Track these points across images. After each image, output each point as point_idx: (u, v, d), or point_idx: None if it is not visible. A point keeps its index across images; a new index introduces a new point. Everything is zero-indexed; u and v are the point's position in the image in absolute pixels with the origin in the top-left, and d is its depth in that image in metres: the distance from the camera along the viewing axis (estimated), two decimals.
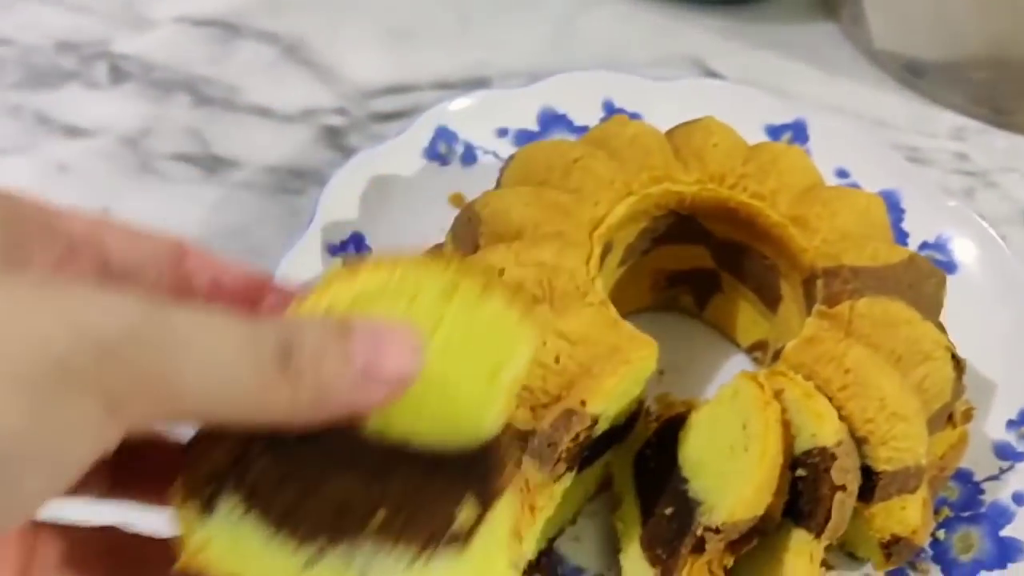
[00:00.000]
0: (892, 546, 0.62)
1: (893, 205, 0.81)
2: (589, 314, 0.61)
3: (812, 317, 0.63)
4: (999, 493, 0.68)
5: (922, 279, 0.65)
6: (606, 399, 0.58)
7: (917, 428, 0.59)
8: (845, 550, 0.66)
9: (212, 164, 0.90)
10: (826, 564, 0.65)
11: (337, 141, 0.93)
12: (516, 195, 0.67)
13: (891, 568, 0.64)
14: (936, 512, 0.67)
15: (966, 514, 0.67)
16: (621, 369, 0.59)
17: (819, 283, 0.65)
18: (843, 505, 0.56)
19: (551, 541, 0.65)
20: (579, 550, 0.66)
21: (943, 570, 0.65)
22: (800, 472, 0.58)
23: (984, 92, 0.97)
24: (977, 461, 0.69)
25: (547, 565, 0.64)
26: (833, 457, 0.56)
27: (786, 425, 0.58)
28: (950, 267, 0.78)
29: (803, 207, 0.68)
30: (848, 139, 0.85)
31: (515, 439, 0.60)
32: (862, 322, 0.62)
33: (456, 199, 0.82)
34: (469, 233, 0.68)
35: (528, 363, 0.37)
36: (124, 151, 0.90)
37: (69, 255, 0.37)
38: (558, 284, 0.62)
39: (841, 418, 0.58)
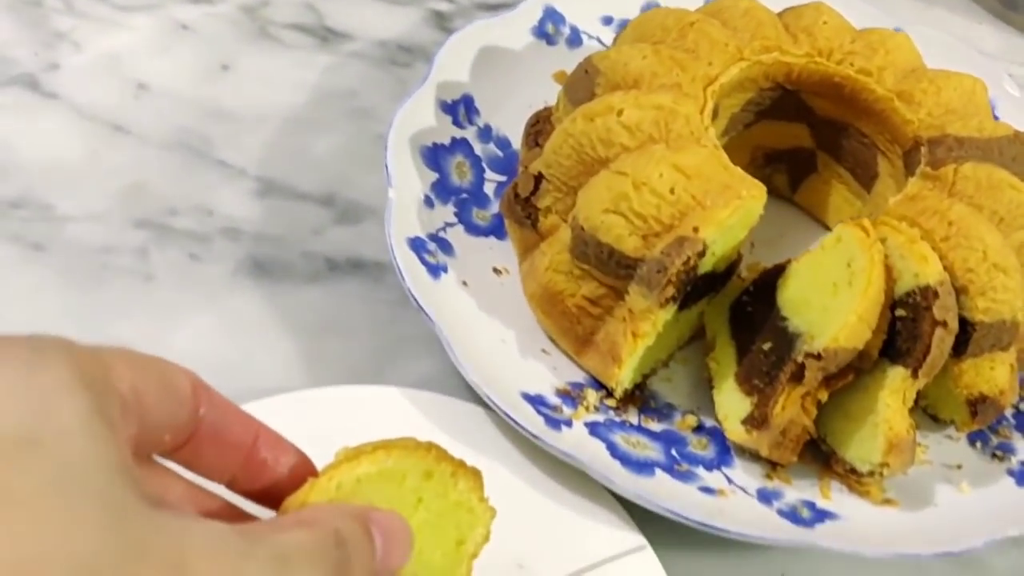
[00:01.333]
0: (978, 405, 0.64)
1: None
2: (704, 154, 0.63)
3: (916, 178, 0.66)
4: None
5: None
6: (718, 228, 0.61)
7: (1016, 282, 0.61)
8: (928, 412, 0.68)
9: (326, 35, 0.94)
10: None
11: (443, 24, 0.97)
12: (635, 49, 0.70)
13: (974, 429, 0.66)
14: (1021, 388, 0.69)
15: None
16: (734, 202, 0.61)
17: (923, 150, 0.67)
18: (943, 342, 0.58)
19: (645, 378, 0.68)
20: (671, 389, 0.68)
21: None
22: (900, 312, 0.60)
23: None
24: None
25: (640, 398, 0.67)
26: (936, 295, 0.58)
27: (888, 270, 0.60)
28: None
29: (908, 83, 0.70)
30: (945, 50, 0.87)
31: (624, 266, 0.63)
32: (966, 184, 0.64)
33: (560, 76, 0.85)
34: (585, 85, 0.70)
35: (485, 537, 0.49)
36: (243, 17, 0.94)
37: (123, 415, 0.38)
38: (674, 127, 0.65)
39: (943, 268, 0.60)
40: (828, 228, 0.79)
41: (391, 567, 0.41)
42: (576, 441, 0.62)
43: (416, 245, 0.69)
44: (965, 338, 0.62)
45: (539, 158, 0.70)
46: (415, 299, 0.65)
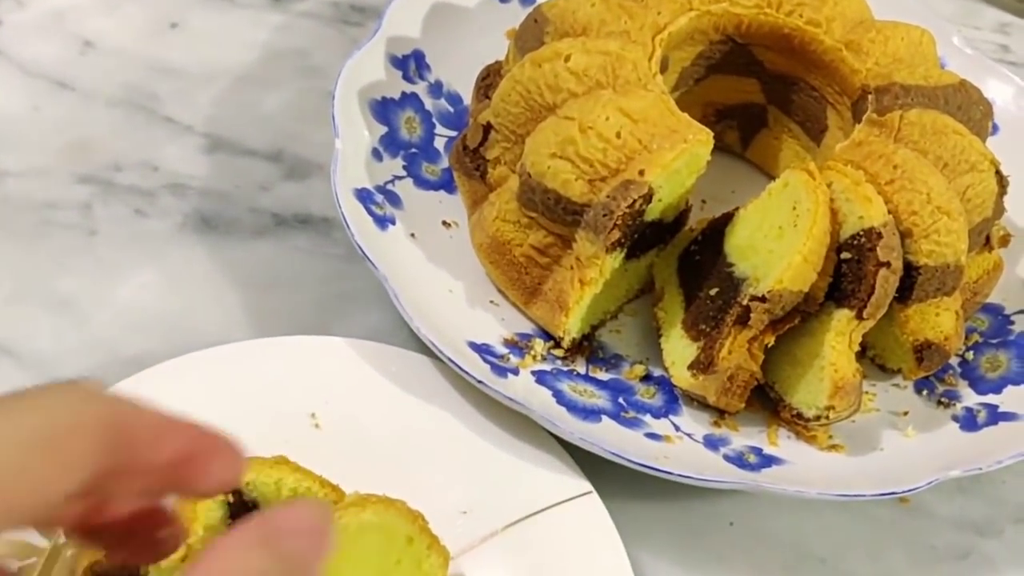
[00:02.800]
0: (924, 351, 0.64)
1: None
2: (651, 98, 0.63)
3: (862, 124, 0.65)
4: None
5: (971, 104, 0.67)
6: (664, 171, 0.60)
7: (959, 225, 0.61)
8: (876, 362, 0.68)
9: None
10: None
11: None
12: None
13: (921, 375, 0.66)
14: (966, 338, 0.69)
15: (995, 340, 0.69)
16: (680, 146, 0.61)
17: (870, 98, 0.67)
18: (887, 282, 0.58)
19: (594, 329, 0.68)
20: (620, 340, 0.68)
21: (970, 384, 0.67)
22: (845, 255, 0.60)
23: None
24: (1007, 296, 0.72)
25: (588, 348, 0.67)
26: (879, 236, 0.58)
27: (834, 213, 0.60)
28: (993, 128, 0.80)
29: (857, 34, 0.70)
30: (898, 6, 0.86)
31: (571, 212, 0.62)
32: (911, 129, 0.64)
33: (512, 34, 0.84)
34: (534, 34, 0.70)
35: None
36: None
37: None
38: (622, 72, 0.64)
39: (888, 211, 0.60)
40: None
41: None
42: (522, 389, 0.61)
43: (363, 196, 0.68)
44: (910, 282, 0.62)
45: (488, 108, 0.69)
46: (361, 248, 0.64)
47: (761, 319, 0.59)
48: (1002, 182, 0.65)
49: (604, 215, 0.60)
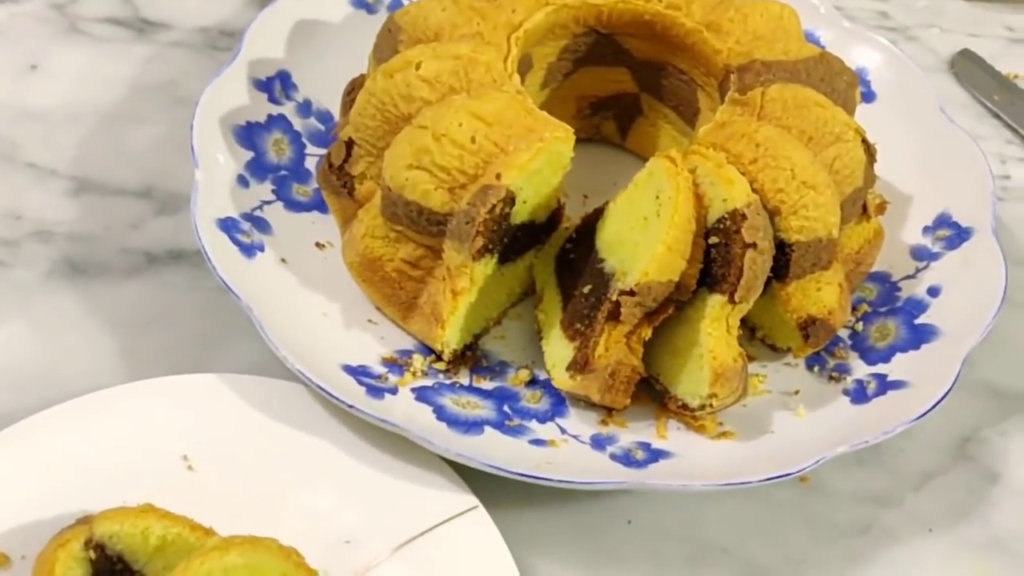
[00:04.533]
0: (809, 327, 0.63)
1: (813, 43, 0.82)
2: (505, 99, 0.61)
3: (725, 105, 0.65)
4: (915, 289, 0.69)
5: (833, 75, 0.67)
6: (521, 173, 0.59)
7: (827, 198, 0.60)
8: (766, 342, 0.67)
9: (142, 26, 0.89)
10: (749, 356, 0.66)
11: (267, 4, 0.93)
12: (434, 2, 0.67)
13: (809, 352, 0.65)
14: (854, 309, 0.68)
15: (883, 309, 0.69)
16: (536, 145, 0.59)
17: (732, 78, 0.66)
18: (754, 263, 0.57)
19: (477, 338, 0.66)
20: (505, 347, 0.66)
21: (861, 356, 0.66)
22: (713, 240, 0.59)
23: None
24: (894, 264, 0.71)
25: (471, 358, 0.65)
26: (743, 217, 0.57)
27: (699, 198, 0.59)
28: (869, 96, 0.80)
29: (716, 14, 0.69)
30: None
31: (435, 223, 0.61)
32: (773, 105, 0.63)
33: None
34: (389, 44, 0.68)
35: None
36: (53, 14, 0.89)
37: None
38: (475, 75, 0.63)
39: (753, 190, 0.59)
40: None
41: None
42: (402, 408, 0.60)
43: (227, 226, 0.66)
44: (785, 260, 0.61)
45: (348, 125, 0.68)
46: (222, 280, 0.62)
47: (633, 313, 0.58)
48: (869, 150, 0.65)
49: (466, 223, 0.59)
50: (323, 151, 0.75)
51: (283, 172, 0.73)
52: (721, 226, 0.58)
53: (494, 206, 0.58)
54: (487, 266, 0.62)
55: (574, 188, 0.74)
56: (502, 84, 0.63)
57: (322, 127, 0.77)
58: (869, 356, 0.66)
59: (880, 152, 0.68)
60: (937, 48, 0.95)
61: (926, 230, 0.72)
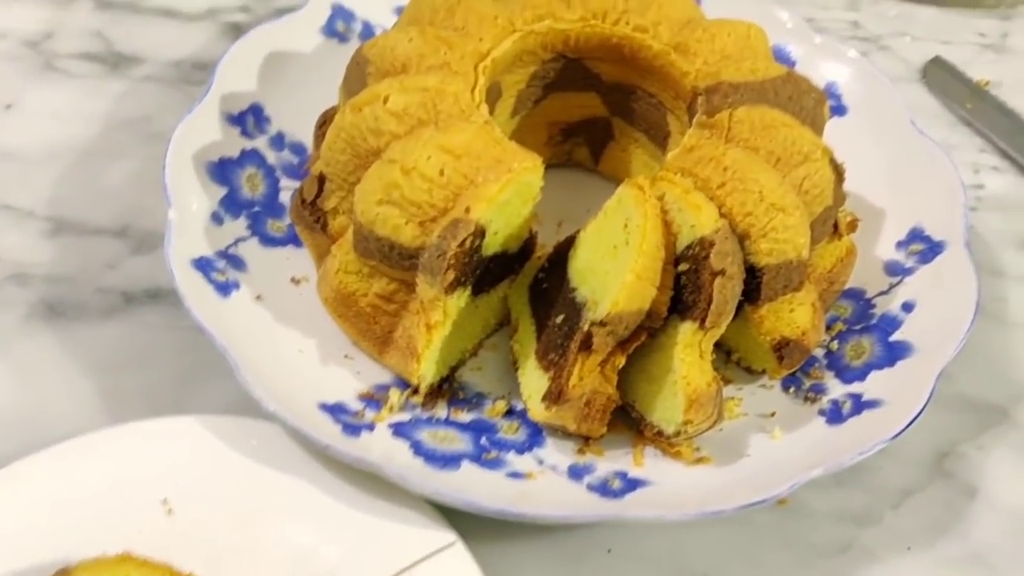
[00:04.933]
0: (783, 349, 0.63)
1: (783, 58, 0.82)
2: (473, 130, 0.62)
3: (692, 128, 0.65)
4: (889, 306, 0.69)
5: (801, 94, 0.67)
6: (490, 205, 0.59)
7: (796, 219, 0.60)
8: (741, 365, 0.67)
9: (116, 60, 0.90)
10: (724, 379, 0.66)
11: (240, 36, 0.93)
12: (401, 33, 0.68)
13: (785, 374, 0.65)
14: (829, 327, 0.68)
15: (858, 327, 0.69)
16: (504, 177, 0.59)
17: (700, 100, 0.66)
18: (724, 289, 0.57)
19: (453, 370, 0.66)
20: (482, 378, 0.66)
21: (836, 375, 0.66)
22: (683, 267, 0.59)
23: None
24: (868, 281, 0.71)
25: (448, 391, 0.65)
26: (711, 244, 0.57)
27: (667, 225, 0.59)
28: (840, 110, 0.80)
29: (684, 35, 0.69)
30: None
31: (407, 257, 0.61)
32: (740, 127, 0.63)
33: None
34: (357, 77, 0.68)
35: None
36: (27, 52, 0.90)
37: None
38: (443, 107, 0.63)
39: (721, 214, 0.60)
40: None
41: None
42: (379, 444, 0.60)
43: (202, 265, 0.66)
44: (756, 283, 0.61)
45: (319, 159, 0.68)
46: (197, 320, 0.62)
47: (605, 342, 0.58)
48: (838, 169, 0.65)
49: (437, 257, 0.59)
50: (297, 184, 0.76)
51: (257, 208, 0.73)
52: (690, 252, 0.59)
53: (464, 240, 0.58)
54: (460, 299, 0.62)
55: (548, 214, 0.74)
56: (470, 115, 0.63)
57: (295, 160, 0.77)
58: (845, 375, 0.66)
59: (851, 167, 0.68)
60: (909, 57, 0.95)
61: (899, 245, 0.73)
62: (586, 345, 0.58)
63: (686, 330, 0.59)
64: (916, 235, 0.72)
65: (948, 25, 0.98)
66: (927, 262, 0.70)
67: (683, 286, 0.59)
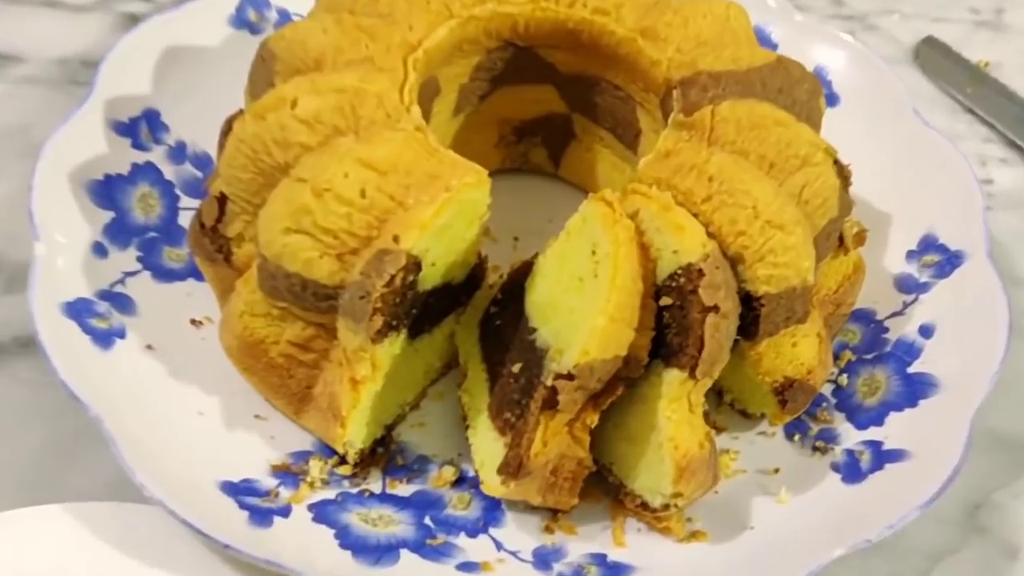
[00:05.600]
0: (786, 391, 0.53)
1: (764, 39, 0.71)
2: (401, 140, 0.50)
3: (668, 129, 0.54)
4: (904, 329, 0.59)
5: (793, 84, 0.56)
6: (424, 233, 0.47)
7: (798, 238, 0.50)
8: (736, 408, 0.57)
9: None
10: (716, 425, 0.55)
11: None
12: (313, 22, 0.56)
13: (788, 419, 0.55)
14: (837, 357, 0.58)
15: (870, 356, 0.59)
16: (441, 197, 0.48)
17: (675, 95, 0.55)
18: (717, 330, 0.47)
19: (389, 429, 0.55)
20: (424, 436, 0.55)
21: (848, 417, 0.56)
22: (666, 301, 0.48)
23: None
24: (878, 299, 0.61)
25: (384, 456, 0.54)
26: (700, 274, 0.46)
27: (645, 248, 0.48)
28: (832, 100, 0.69)
29: (652, 17, 0.58)
30: None
31: (324, 298, 0.49)
32: (725, 127, 0.52)
33: None
34: (263, 75, 0.56)
35: None
36: None
37: None
38: (363, 111, 0.51)
39: (709, 235, 0.49)
40: None
41: None
42: (294, 536, 0.48)
43: (77, 310, 0.55)
44: (753, 316, 0.50)
45: (218, 176, 0.56)
46: (65, 382, 0.50)
47: (573, 399, 0.47)
48: (843, 172, 0.54)
49: (361, 298, 0.47)
50: (199, 203, 0.64)
51: (151, 234, 0.61)
52: (674, 284, 0.48)
53: (393, 277, 0.47)
54: (394, 345, 0.50)
55: (502, 229, 0.63)
56: (398, 120, 0.52)
57: (199, 174, 0.65)
58: (858, 417, 0.56)
59: (849, 162, 0.58)
60: (899, 37, 0.85)
61: (911, 255, 0.62)
62: (550, 403, 0.47)
63: (672, 380, 0.48)
64: (929, 244, 0.62)
65: (938, 1, 0.88)
66: (945, 276, 0.60)
67: (666, 325, 0.48)
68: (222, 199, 0.55)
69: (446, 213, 0.48)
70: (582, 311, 0.47)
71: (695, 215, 0.49)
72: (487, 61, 0.62)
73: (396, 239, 0.47)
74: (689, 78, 0.55)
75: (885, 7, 0.87)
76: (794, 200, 0.51)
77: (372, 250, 0.48)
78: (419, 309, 0.51)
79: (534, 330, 0.50)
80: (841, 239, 0.57)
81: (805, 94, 0.56)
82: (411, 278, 0.48)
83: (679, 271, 0.47)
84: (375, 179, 0.48)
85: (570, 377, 0.46)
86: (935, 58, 0.82)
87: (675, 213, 0.48)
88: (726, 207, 0.49)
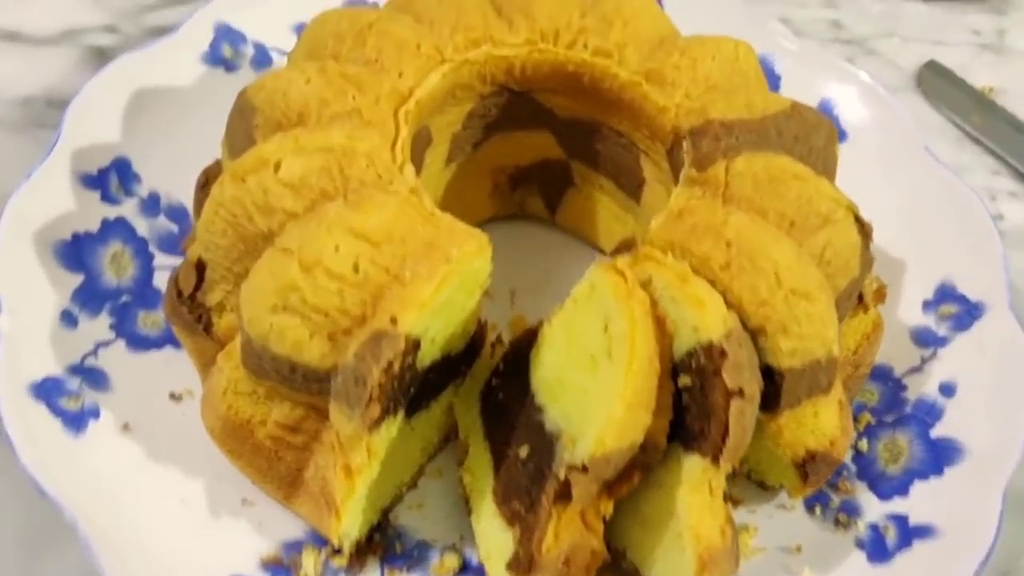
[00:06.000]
0: (807, 464, 0.50)
1: (767, 71, 0.68)
2: (395, 205, 0.46)
3: (680, 186, 0.50)
4: (923, 387, 0.56)
5: (810, 131, 0.53)
6: (424, 312, 0.44)
7: (823, 307, 0.47)
8: (753, 479, 0.53)
9: None
10: (731, 498, 0.52)
11: (106, 63, 0.75)
12: (295, 71, 0.52)
13: (810, 493, 0.52)
14: (855, 420, 0.55)
15: (890, 418, 0.56)
16: (440, 270, 0.44)
17: (685, 145, 0.52)
18: (742, 416, 0.43)
19: (386, 513, 0.51)
20: (423, 519, 0.51)
21: (871, 487, 0.53)
22: (684, 381, 0.45)
23: None
24: (894, 353, 0.58)
25: (381, 544, 0.50)
26: (723, 354, 0.43)
27: (660, 322, 0.45)
28: (839, 135, 0.66)
29: (657, 59, 0.55)
30: (708, 3, 0.72)
31: (314, 380, 0.45)
32: (741, 183, 0.49)
33: None
34: (243, 129, 0.52)
35: None
36: None
37: None
38: (352, 172, 0.48)
39: (728, 305, 0.45)
40: (603, 251, 0.63)
41: None
42: None
43: (45, 391, 0.51)
44: (775, 389, 0.47)
45: (196, 239, 0.52)
46: (35, 479, 0.46)
47: (587, 491, 0.44)
48: (864, 229, 0.51)
49: (356, 383, 0.44)
50: (177, 259, 0.60)
51: (125, 297, 0.57)
52: (693, 364, 0.44)
53: (391, 363, 0.43)
54: (390, 428, 0.47)
55: (498, 282, 0.59)
56: (390, 181, 0.48)
57: (175, 228, 0.61)
58: (881, 487, 0.53)
59: (858, 206, 0.55)
60: (899, 61, 0.82)
61: (927, 305, 0.59)
62: (563, 495, 0.44)
63: (693, 467, 0.44)
64: (946, 293, 0.59)
65: (938, 22, 0.85)
66: (964, 328, 0.58)
67: (685, 407, 0.45)
68: (200, 265, 0.52)
69: (447, 288, 0.45)
70: (596, 395, 0.43)
71: (712, 282, 0.46)
72: (481, 107, 0.58)
73: (394, 320, 0.43)
74: (699, 127, 0.52)
75: (884, 30, 0.84)
76: (816, 261, 0.48)
77: (367, 330, 0.44)
78: (416, 387, 0.48)
79: (542, 409, 0.47)
80: (860, 296, 0.54)
81: (822, 140, 0.53)
82: (409, 360, 0.45)
83: (698, 349, 0.44)
84: (368, 251, 0.45)
85: (584, 469, 0.43)
86: (938, 84, 0.80)
87: (693, 285, 0.45)
88: (746, 274, 0.46)
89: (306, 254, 0.45)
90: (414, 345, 0.44)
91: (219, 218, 0.49)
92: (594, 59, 0.55)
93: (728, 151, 0.51)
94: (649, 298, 0.45)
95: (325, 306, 0.44)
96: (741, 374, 0.43)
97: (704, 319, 0.44)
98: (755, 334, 0.46)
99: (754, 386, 0.44)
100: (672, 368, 0.45)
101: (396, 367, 0.44)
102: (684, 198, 0.50)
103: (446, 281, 0.44)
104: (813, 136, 0.53)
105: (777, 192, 0.49)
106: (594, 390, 0.44)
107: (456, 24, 0.55)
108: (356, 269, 0.44)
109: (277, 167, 0.47)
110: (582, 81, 0.56)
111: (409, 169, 0.49)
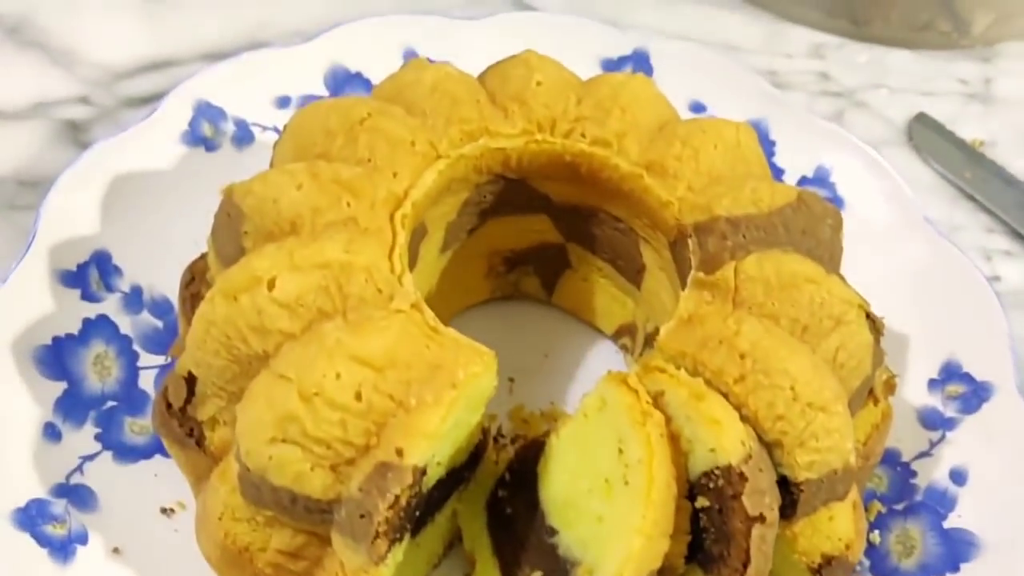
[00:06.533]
0: (823, 570, 0.48)
1: (761, 137, 0.67)
2: (397, 325, 0.45)
3: (688, 289, 0.49)
4: (933, 473, 0.55)
5: (816, 223, 0.52)
6: (431, 441, 0.42)
7: (840, 418, 0.45)
8: None
9: None
10: None
11: (80, 137, 0.73)
12: (285, 176, 0.50)
13: None
14: (865, 509, 0.54)
15: (900, 506, 0.55)
16: (447, 396, 0.43)
17: (691, 243, 0.50)
18: (764, 542, 0.42)
19: None
20: None
21: None
22: (702, 502, 0.43)
23: (839, 1, 0.85)
24: (901, 437, 0.57)
25: None
26: (742, 478, 0.42)
27: (674, 439, 0.44)
28: (836, 203, 0.66)
29: (658, 149, 0.53)
30: (699, 66, 0.71)
31: (317, 511, 0.44)
32: (752, 288, 0.48)
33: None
34: (231, 236, 0.50)
35: None
36: None
37: None
38: (352, 289, 0.46)
39: (743, 419, 0.44)
40: (598, 329, 0.62)
41: None
42: None
43: (28, 519, 0.49)
44: (792, 500, 0.46)
45: (185, 352, 0.50)
46: None
47: None
48: (875, 327, 0.50)
49: (361, 517, 0.42)
50: (161, 358, 0.58)
51: (110, 403, 0.55)
52: (711, 485, 0.43)
53: (398, 497, 0.41)
54: (397, 555, 0.45)
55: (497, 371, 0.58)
56: (391, 295, 0.46)
57: (159, 324, 0.59)
58: None
59: (855, 280, 0.53)
60: (889, 113, 0.81)
61: (933, 384, 0.59)
62: None
63: None
64: (952, 372, 0.58)
65: (925, 72, 0.85)
66: (972, 411, 0.57)
67: (703, 528, 0.43)
68: (191, 379, 0.50)
69: (456, 410, 0.43)
70: (613, 524, 0.42)
71: (727, 395, 0.44)
72: (476, 196, 0.56)
73: (400, 452, 0.41)
74: (705, 224, 0.50)
75: (872, 81, 0.83)
76: (829, 364, 0.47)
77: (371, 461, 0.42)
78: (422, 507, 0.46)
79: (555, 531, 0.45)
80: (870, 391, 0.53)
81: (828, 231, 0.52)
82: (417, 490, 0.43)
83: (716, 471, 0.43)
84: (372, 377, 0.43)
85: None
86: (929, 138, 0.79)
87: (709, 404, 0.43)
88: (762, 389, 0.44)
89: (306, 383, 0.43)
90: (421, 474, 0.43)
91: (211, 338, 0.46)
92: (592, 149, 0.54)
93: (736, 250, 0.49)
94: (662, 416, 0.43)
95: (327, 437, 0.42)
96: (762, 499, 0.42)
97: (721, 441, 0.42)
98: (771, 447, 0.45)
99: (774, 509, 0.43)
100: (688, 489, 0.44)
101: (403, 500, 0.42)
102: (693, 303, 0.48)
103: (453, 407, 0.43)
104: (819, 228, 0.52)
105: (790, 297, 0.48)
106: (610, 518, 0.42)
107: (450, 116, 0.53)
108: (359, 397, 0.43)
109: (271, 285, 0.45)
110: (580, 171, 0.55)
111: (408, 279, 0.47)
